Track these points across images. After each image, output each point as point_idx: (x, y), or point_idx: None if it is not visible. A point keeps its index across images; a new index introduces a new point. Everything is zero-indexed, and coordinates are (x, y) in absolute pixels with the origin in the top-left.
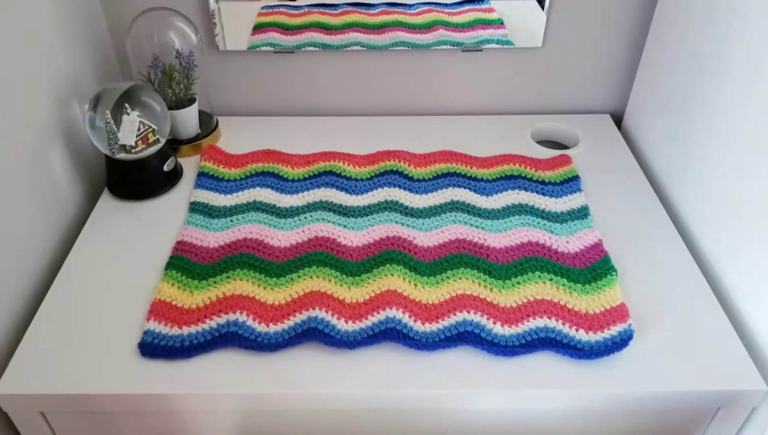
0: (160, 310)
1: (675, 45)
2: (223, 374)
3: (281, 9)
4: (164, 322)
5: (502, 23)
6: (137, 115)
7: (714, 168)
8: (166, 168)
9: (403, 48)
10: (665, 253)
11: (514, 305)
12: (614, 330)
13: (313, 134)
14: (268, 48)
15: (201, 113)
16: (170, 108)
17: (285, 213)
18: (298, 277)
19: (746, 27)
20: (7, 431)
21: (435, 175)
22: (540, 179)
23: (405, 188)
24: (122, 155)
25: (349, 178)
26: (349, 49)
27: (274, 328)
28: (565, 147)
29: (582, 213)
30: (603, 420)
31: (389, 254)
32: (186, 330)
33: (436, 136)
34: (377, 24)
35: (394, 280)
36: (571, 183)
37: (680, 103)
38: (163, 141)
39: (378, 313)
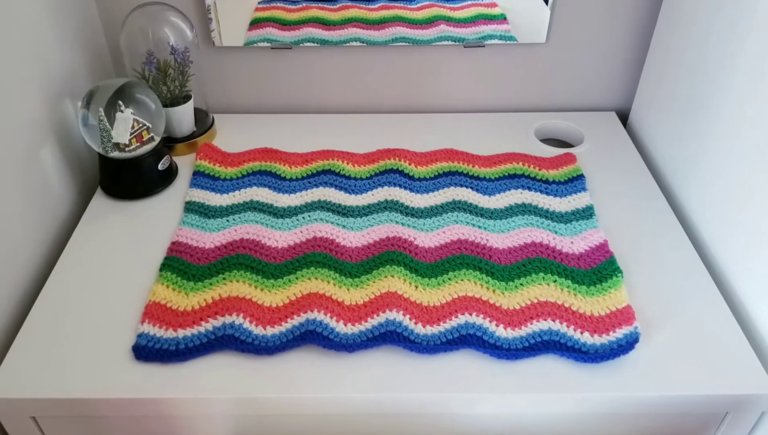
0: (154, 312)
1: (682, 41)
2: (219, 378)
3: (278, 4)
4: (159, 325)
5: (504, 18)
6: (131, 113)
7: (722, 167)
8: (160, 167)
9: (403, 44)
10: (672, 254)
11: (517, 307)
12: (620, 333)
13: (311, 132)
14: (266, 44)
15: (196, 111)
16: (165, 105)
17: (283, 213)
18: (296, 278)
19: (753, 23)
20: None
21: (436, 174)
22: (544, 178)
23: (405, 187)
24: (116, 154)
25: (348, 177)
26: (348, 45)
27: (271, 330)
28: (570, 145)
29: (587, 213)
30: (608, 425)
31: (389, 255)
32: (181, 333)
33: (437, 134)
34: (377, 19)
35: (394, 281)
36: (575, 182)
37: (687, 100)
38: (157, 139)
39: (378, 315)
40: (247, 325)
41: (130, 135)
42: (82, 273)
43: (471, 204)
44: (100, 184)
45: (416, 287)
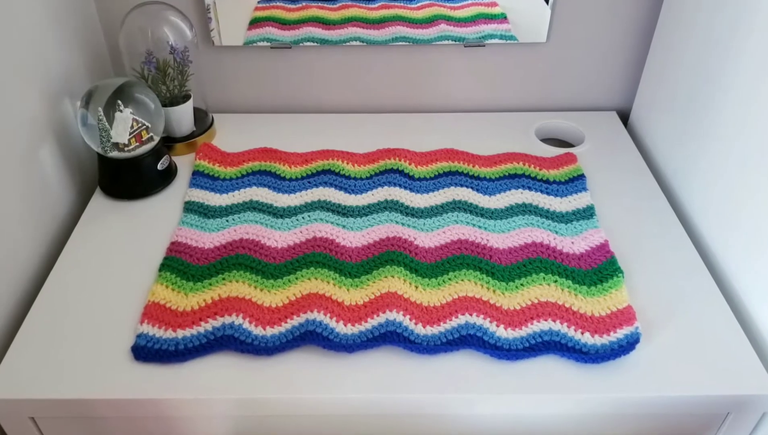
0: (153, 312)
1: (683, 41)
2: (218, 378)
3: (278, 3)
4: (158, 325)
5: (505, 18)
6: (130, 112)
7: (723, 167)
8: (159, 166)
9: (403, 43)
10: (673, 254)
11: (518, 308)
12: (621, 333)
13: (311, 132)
14: (265, 43)
15: (196, 110)
16: (164, 105)
17: (282, 213)
18: (296, 278)
19: (754, 24)
20: None
21: (436, 173)
22: (544, 178)
23: (405, 187)
24: (115, 153)
25: (348, 177)
26: (348, 44)
27: (270, 331)
28: (570, 145)
29: (587, 213)
30: (609, 425)
31: (389, 255)
32: (180, 333)
33: (437, 134)
34: (377, 18)
35: (394, 281)
36: (576, 182)
37: (689, 99)
38: (156, 139)
39: (378, 315)
40: (246, 325)
41: (129, 135)
42: (81, 273)
43: (471, 204)
44: (99, 183)
45: (416, 287)
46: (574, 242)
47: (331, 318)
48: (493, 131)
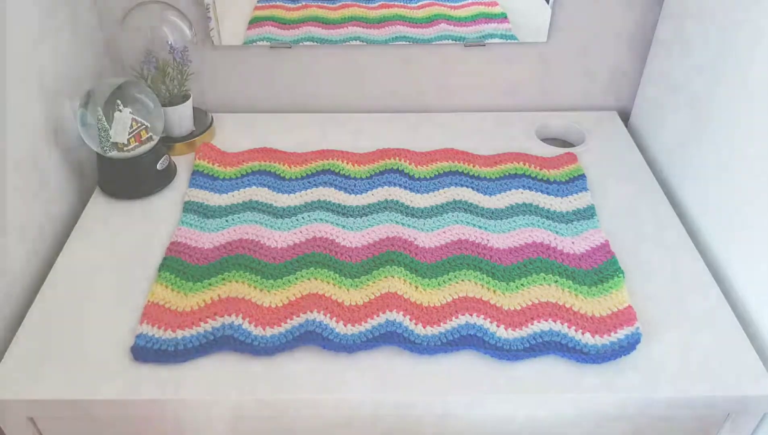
0: (153, 312)
1: (683, 40)
2: (218, 379)
3: (278, 2)
4: (157, 326)
5: (505, 17)
6: (130, 112)
7: (725, 167)
8: (159, 166)
9: (403, 43)
10: (674, 255)
11: (518, 308)
12: (621, 333)
13: (311, 132)
14: (265, 43)
15: (195, 110)
16: (164, 105)
17: (282, 213)
18: (296, 278)
19: (756, 23)
20: None
21: (436, 173)
22: (545, 178)
23: (405, 187)
24: (114, 153)
25: (348, 177)
26: (348, 43)
27: (270, 331)
28: (571, 145)
29: (588, 213)
30: (609, 426)
31: (389, 255)
32: (180, 333)
33: (437, 133)
34: (377, 18)
35: (394, 282)
36: (576, 182)
37: (690, 100)
38: (156, 139)
39: (378, 316)
40: (246, 325)
41: (129, 134)
42: (80, 273)
43: (471, 204)
44: (99, 184)
45: (416, 288)
46: (575, 242)
47: (331, 318)
48: (493, 131)
